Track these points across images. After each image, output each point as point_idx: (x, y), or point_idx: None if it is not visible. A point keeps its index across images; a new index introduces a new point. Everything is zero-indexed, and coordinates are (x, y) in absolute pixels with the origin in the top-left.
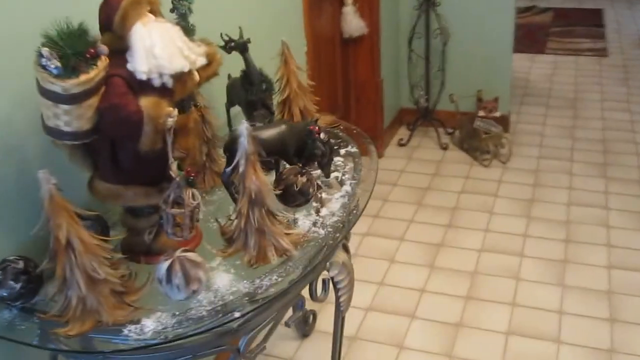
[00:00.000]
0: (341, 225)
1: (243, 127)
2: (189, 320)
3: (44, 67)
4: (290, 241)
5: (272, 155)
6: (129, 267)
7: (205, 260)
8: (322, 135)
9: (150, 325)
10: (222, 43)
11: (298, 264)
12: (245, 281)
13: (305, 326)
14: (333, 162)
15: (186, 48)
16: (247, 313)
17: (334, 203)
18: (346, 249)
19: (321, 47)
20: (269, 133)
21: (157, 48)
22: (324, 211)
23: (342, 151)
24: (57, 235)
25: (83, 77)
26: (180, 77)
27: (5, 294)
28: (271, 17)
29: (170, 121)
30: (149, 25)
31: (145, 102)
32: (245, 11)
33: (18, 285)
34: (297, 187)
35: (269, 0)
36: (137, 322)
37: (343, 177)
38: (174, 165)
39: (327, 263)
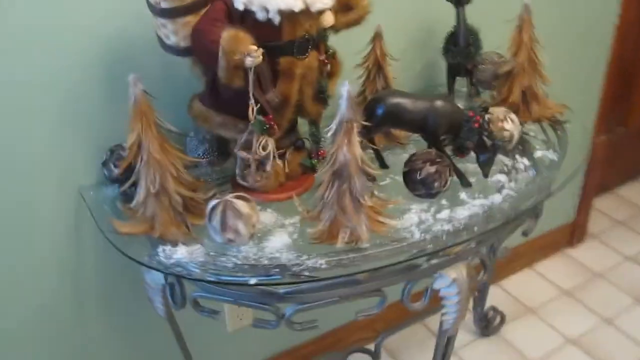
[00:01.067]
0: (453, 238)
1: (344, 89)
2: (213, 265)
3: None
4: (375, 230)
5: (414, 130)
6: (209, 191)
7: (253, 213)
8: (483, 126)
9: (181, 253)
10: None
11: (365, 260)
12: (294, 252)
13: (486, 325)
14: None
15: None
16: (263, 284)
17: (464, 208)
18: (484, 266)
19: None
20: (415, 105)
21: None
22: (443, 214)
23: (538, 153)
24: (128, 139)
25: None
26: (292, 17)
27: (105, 174)
28: None
29: (250, 60)
30: None
31: (225, 34)
32: None
33: (116, 170)
34: (419, 175)
35: None
36: (175, 244)
37: (505, 184)
38: (251, 108)
39: (435, 273)
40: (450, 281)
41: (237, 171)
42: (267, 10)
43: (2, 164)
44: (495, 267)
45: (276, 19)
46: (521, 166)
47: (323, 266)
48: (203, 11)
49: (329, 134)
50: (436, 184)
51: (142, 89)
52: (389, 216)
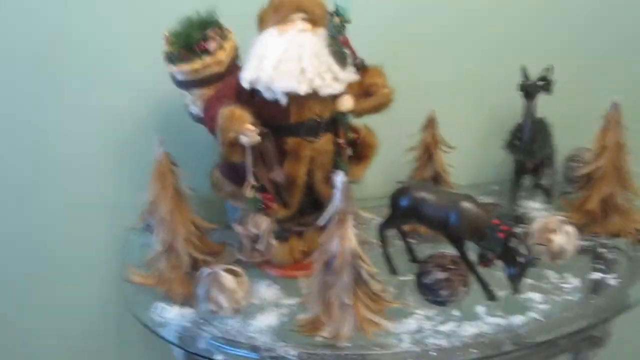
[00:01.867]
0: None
1: (338, 179)
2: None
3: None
4: (363, 328)
5: (436, 229)
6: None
7: (239, 289)
8: (511, 237)
9: (173, 313)
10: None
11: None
12: (273, 336)
13: None
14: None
15: (313, 70)
16: None
17: (473, 325)
18: None
19: None
20: (439, 201)
21: (267, 60)
22: (446, 326)
23: (595, 275)
24: (147, 196)
25: (184, 66)
26: (299, 99)
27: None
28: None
29: (245, 139)
30: (285, 34)
31: (222, 111)
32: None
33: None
34: (427, 280)
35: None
36: (170, 304)
37: (537, 305)
38: (248, 185)
39: None
40: None
41: (236, 245)
42: (272, 91)
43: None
44: None
45: (283, 100)
46: (568, 287)
47: (292, 358)
48: (218, 85)
49: (320, 222)
50: (443, 292)
51: (163, 150)
52: (385, 317)
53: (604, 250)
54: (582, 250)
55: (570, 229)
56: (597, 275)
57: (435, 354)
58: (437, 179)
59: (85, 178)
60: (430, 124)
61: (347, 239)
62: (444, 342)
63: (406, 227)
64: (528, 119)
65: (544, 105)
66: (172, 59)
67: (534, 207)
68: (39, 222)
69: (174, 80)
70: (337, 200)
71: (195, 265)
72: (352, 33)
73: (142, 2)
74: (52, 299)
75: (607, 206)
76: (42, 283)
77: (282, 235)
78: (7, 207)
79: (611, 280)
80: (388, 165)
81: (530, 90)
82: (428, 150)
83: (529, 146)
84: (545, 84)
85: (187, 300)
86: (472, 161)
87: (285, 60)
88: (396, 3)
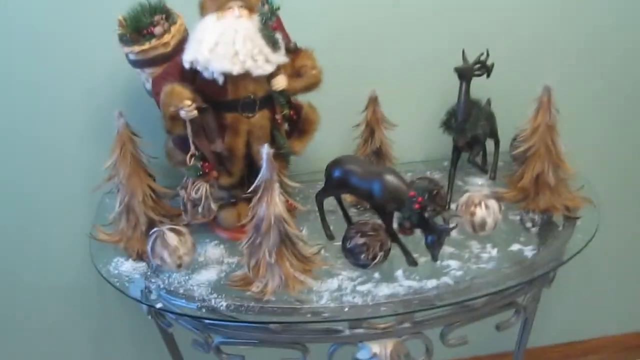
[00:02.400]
0: (355, 313)
1: (264, 150)
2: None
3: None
4: (288, 285)
5: (363, 198)
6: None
7: (180, 246)
8: (425, 209)
9: (126, 267)
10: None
11: (260, 312)
12: (209, 289)
13: None
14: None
15: (246, 53)
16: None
17: (388, 287)
18: (427, 350)
19: None
20: (365, 173)
21: (205, 43)
22: (364, 287)
23: (514, 247)
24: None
25: (135, 47)
26: (235, 78)
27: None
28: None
29: (183, 112)
30: (223, 20)
31: (164, 88)
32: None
33: None
34: (348, 244)
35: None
36: (127, 258)
37: (453, 271)
38: (189, 155)
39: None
40: (371, 354)
41: (182, 207)
42: (209, 70)
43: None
44: None
45: (220, 79)
46: (485, 256)
47: (222, 308)
48: (166, 65)
49: (249, 190)
50: (362, 256)
51: (124, 122)
52: (312, 276)
53: (529, 224)
54: (510, 224)
55: (492, 203)
56: (516, 247)
57: (347, 309)
58: (379, 153)
59: (67, 150)
60: (371, 102)
61: (273, 204)
62: (358, 300)
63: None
64: (461, 100)
65: (493, 87)
66: (124, 40)
67: (477, 184)
68: (29, 189)
69: (128, 60)
70: (263, 170)
71: (152, 225)
72: (304, 19)
73: None
74: (36, 253)
75: (538, 183)
76: (28, 239)
77: (230, 201)
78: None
79: (528, 252)
80: (338, 141)
81: (463, 73)
82: (370, 128)
83: (461, 125)
84: (479, 68)
85: (142, 256)
86: (426, 139)
87: (221, 44)
88: None
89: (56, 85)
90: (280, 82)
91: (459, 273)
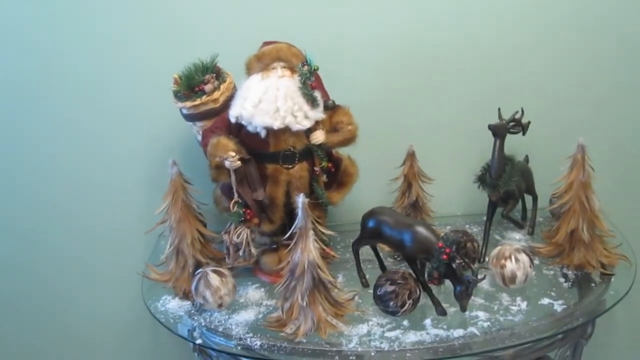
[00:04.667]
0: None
1: (300, 200)
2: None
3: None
4: (320, 329)
5: (395, 248)
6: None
7: (222, 286)
8: (453, 260)
9: (172, 305)
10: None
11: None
12: (246, 329)
13: None
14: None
15: (286, 109)
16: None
17: (416, 334)
18: None
19: None
20: (397, 224)
21: (249, 101)
22: (393, 334)
23: (544, 300)
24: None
25: (187, 103)
26: (276, 132)
27: None
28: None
29: (227, 163)
30: (266, 79)
31: (212, 140)
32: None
33: None
34: (378, 292)
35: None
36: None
37: (481, 322)
38: (233, 202)
39: None
40: None
41: (225, 251)
42: (253, 125)
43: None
44: None
45: (262, 133)
46: (514, 309)
47: (256, 347)
48: (214, 119)
49: (286, 237)
50: (392, 304)
51: (177, 170)
52: (343, 320)
53: (563, 279)
54: (543, 278)
55: (523, 257)
56: (546, 301)
57: (373, 353)
58: (416, 206)
59: (126, 192)
60: (409, 157)
61: (307, 250)
62: (385, 346)
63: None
64: (495, 157)
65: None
66: (178, 96)
67: (515, 238)
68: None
69: (181, 114)
70: (299, 218)
71: (200, 267)
72: (343, 78)
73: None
74: (93, 284)
75: (573, 239)
76: (87, 271)
77: (271, 246)
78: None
79: (558, 306)
80: (377, 194)
81: (497, 131)
82: (408, 181)
83: (494, 181)
84: (514, 126)
85: (187, 295)
86: (464, 193)
87: (264, 101)
88: (387, 55)
89: (118, 133)
90: (318, 137)
91: (487, 324)
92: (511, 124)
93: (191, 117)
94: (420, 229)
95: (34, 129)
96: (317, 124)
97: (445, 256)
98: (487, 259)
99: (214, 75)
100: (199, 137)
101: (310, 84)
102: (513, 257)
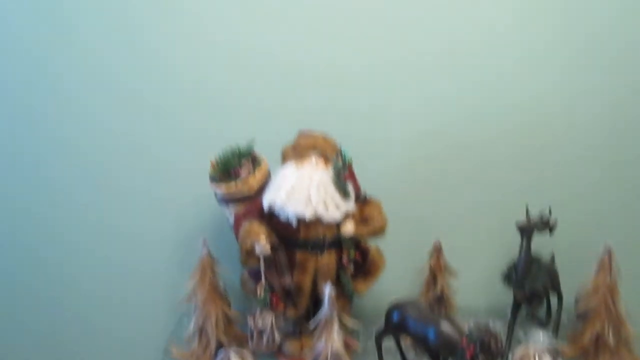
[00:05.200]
0: None
1: (327, 290)
2: None
3: None
4: None
5: (418, 343)
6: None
7: None
8: (476, 358)
9: None
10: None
11: None
12: None
13: None
14: None
15: (318, 199)
16: None
17: None
18: None
19: None
20: (422, 319)
21: (282, 189)
22: None
23: None
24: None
25: (222, 187)
26: (307, 221)
27: None
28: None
29: (258, 248)
30: (301, 168)
31: (244, 225)
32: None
33: None
34: None
35: None
36: None
37: None
38: (260, 286)
39: None
40: None
41: (249, 334)
42: (285, 213)
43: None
44: None
45: (293, 222)
46: None
47: None
48: (248, 203)
49: (311, 326)
50: None
51: (207, 250)
52: None
53: None
54: None
55: (547, 359)
56: None
57: None
58: (441, 300)
59: (156, 270)
60: (435, 251)
61: (330, 340)
62: None
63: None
64: (521, 256)
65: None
66: (214, 179)
67: (539, 337)
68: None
69: (216, 196)
70: (325, 308)
71: (222, 347)
72: (375, 171)
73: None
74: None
75: (598, 343)
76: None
77: (295, 332)
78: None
79: None
80: (402, 285)
81: (524, 230)
82: (433, 274)
83: (520, 281)
84: (542, 226)
85: None
86: (490, 288)
87: (297, 190)
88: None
89: (154, 210)
90: (349, 228)
91: None
92: (539, 223)
93: (225, 200)
94: (445, 325)
95: (71, 228)
96: (347, 215)
97: (469, 354)
98: (510, 358)
99: (250, 160)
100: (231, 220)
101: (343, 175)
102: (537, 358)
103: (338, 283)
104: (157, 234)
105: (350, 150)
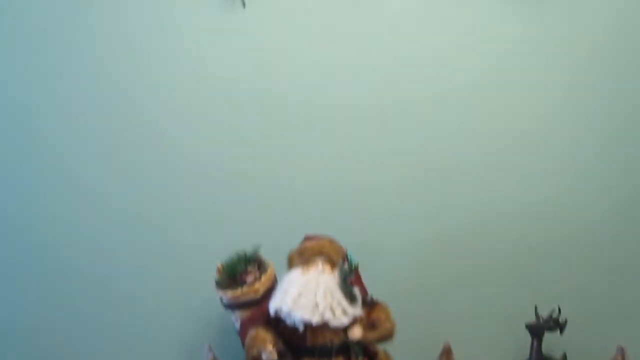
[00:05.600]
0: None
1: None
2: None
3: None
4: None
5: None
6: None
7: None
8: None
9: None
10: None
11: None
12: None
13: None
14: None
15: (325, 305)
16: None
17: None
18: None
19: None
20: None
21: (289, 295)
22: None
23: None
24: None
25: (228, 292)
26: (314, 327)
27: None
28: None
29: (265, 356)
30: (307, 273)
31: (250, 331)
32: None
33: None
34: None
35: None
36: None
37: None
38: None
39: None
40: None
41: None
42: (291, 317)
43: None
44: None
45: (300, 327)
46: None
47: None
48: (254, 309)
49: None
50: None
51: (212, 356)
52: None
53: None
54: None
55: None
56: None
57: None
58: None
59: None
60: (445, 353)
61: None
62: None
63: None
64: (532, 356)
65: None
66: (219, 285)
67: None
68: None
69: (221, 302)
70: None
71: None
72: (381, 275)
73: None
74: None
75: None
76: None
77: None
78: None
79: None
80: None
81: (534, 330)
82: None
83: None
84: (551, 325)
85: None
86: None
87: (304, 295)
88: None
89: (160, 315)
90: (356, 333)
91: None
92: (549, 323)
93: (231, 306)
94: None
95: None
96: (355, 320)
97: None
98: None
99: (256, 265)
100: (237, 325)
101: (350, 280)
102: None
103: None
104: (163, 339)
105: (356, 254)
